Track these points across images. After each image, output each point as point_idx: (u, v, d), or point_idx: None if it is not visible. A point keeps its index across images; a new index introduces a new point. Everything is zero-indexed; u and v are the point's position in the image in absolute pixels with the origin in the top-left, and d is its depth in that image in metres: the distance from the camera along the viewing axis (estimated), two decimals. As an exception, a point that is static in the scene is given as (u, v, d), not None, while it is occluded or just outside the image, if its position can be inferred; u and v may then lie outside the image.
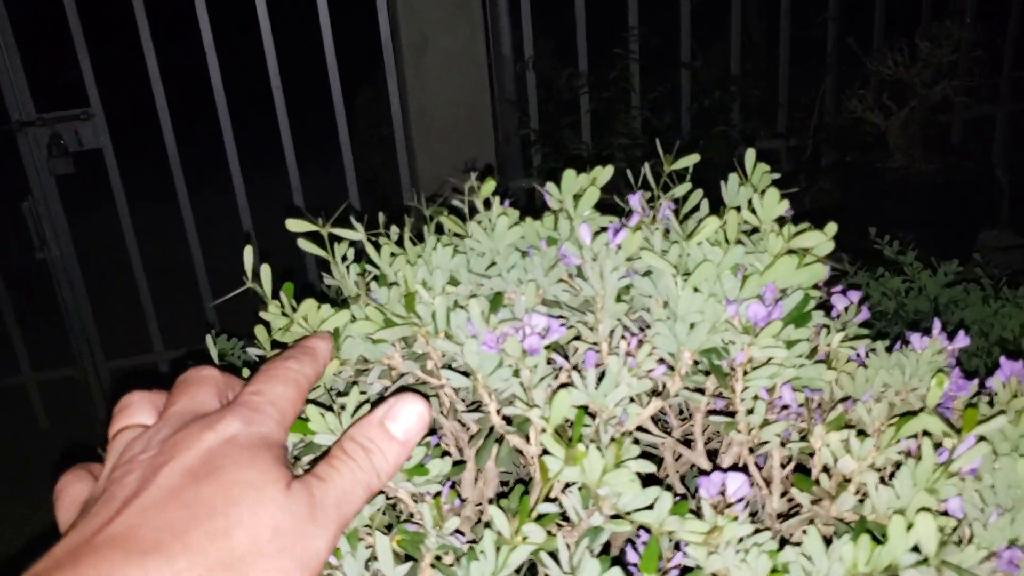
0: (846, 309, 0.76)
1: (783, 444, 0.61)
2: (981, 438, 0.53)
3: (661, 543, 0.51)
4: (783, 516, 0.64)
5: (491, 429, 0.62)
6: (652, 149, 3.50)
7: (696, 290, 0.61)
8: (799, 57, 3.73)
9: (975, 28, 3.40)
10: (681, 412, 0.76)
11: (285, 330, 0.66)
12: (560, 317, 0.69)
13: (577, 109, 3.50)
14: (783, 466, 0.64)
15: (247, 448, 0.45)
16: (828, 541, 0.51)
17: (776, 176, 0.74)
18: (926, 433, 0.54)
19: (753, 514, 0.66)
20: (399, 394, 0.51)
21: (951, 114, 3.71)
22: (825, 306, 0.75)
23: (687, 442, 0.71)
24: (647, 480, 0.53)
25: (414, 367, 0.67)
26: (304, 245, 0.71)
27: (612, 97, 3.54)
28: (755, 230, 0.70)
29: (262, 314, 0.69)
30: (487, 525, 0.54)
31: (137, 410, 0.51)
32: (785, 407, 0.61)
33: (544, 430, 0.52)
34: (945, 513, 0.55)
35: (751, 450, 0.62)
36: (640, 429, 0.68)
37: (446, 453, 0.66)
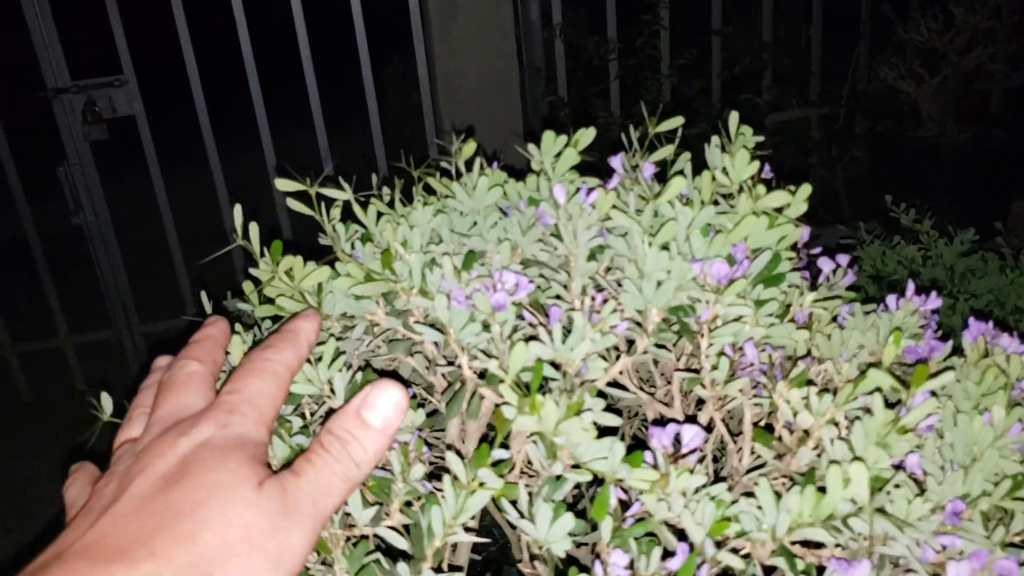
0: (833, 272, 0.76)
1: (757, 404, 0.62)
2: (935, 395, 0.54)
3: (614, 491, 0.53)
4: (752, 471, 0.66)
5: (462, 383, 0.64)
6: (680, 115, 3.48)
7: (664, 248, 0.62)
8: (832, 25, 3.68)
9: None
10: (663, 373, 0.78)
11: (267, 284, 0.68)
12: (540, 276, 0.70)
13: (605, 76, 3.48)
14: (755, 424, 0.65)
15: (220, 450, 0.45)
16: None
17: (760, 139, 0.75)
18: (879, 391, 0.55)
19: (722, 470, 0.67)
20: (375, 381, 0.51)
21: (988, 82, 3.65)
22: (813, 268, 0.75)
23: (669, 405, 0.73)
24: (606, 433, 0.55)
25: (396, 323, 0.69)
26: (293, 204, 0.73)
27: (640, 64, 3.52)
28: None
29: (251, 271, 0.71)
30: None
31: (134, 425, 0.53)
32: (752, 365, 0.63)
33: (502, 381, 0.53)
34: (903, 468, 0.57)
35: (722, 407, 0.63)
36: (619, 387, 0.70)
37: (421, 405, 0.68)
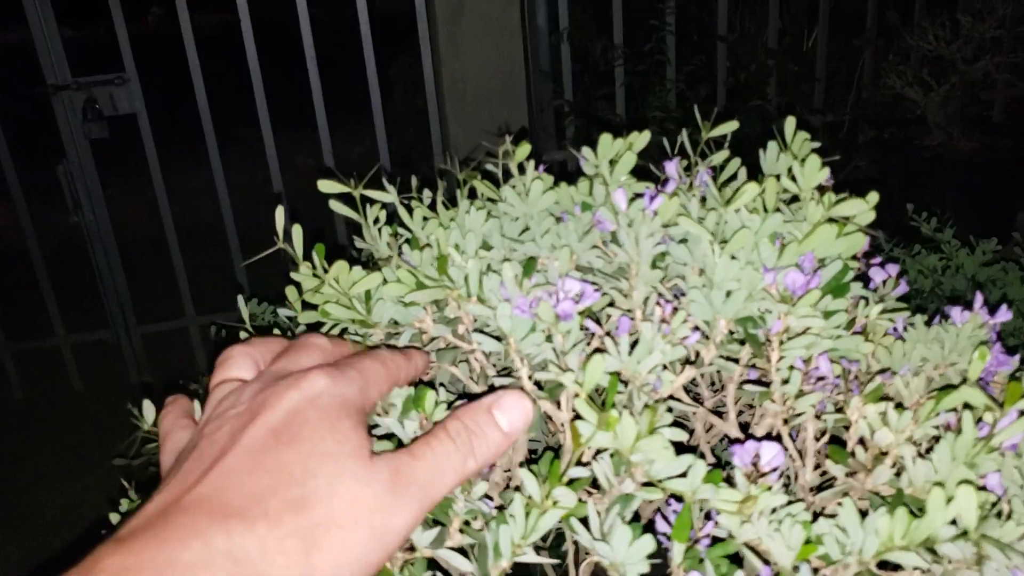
0: (884, 282, 0.74)
1: (818, 416, 0.60)
2: (1023, 413, 0.52)
3: (693, 512, 0.50)
4: (816, 489, 0.63)
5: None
6: (686, 122, 3.47)
7: (733, 257, 0.60)
8: (838, 31, 3.67)
9: (1021, 2, 3.33)
10: (713, 383, 0.75)
11: (316, 291, 0.65)
12: (594, 283, 0.68)
13: (612, 81, 3.47)
14: (817, 439, 0.63)
15: (327, 412, 0.46)
16: (864, 515, 0.50)
17: (816, 145, 0.73)
18: (967, 407, 0.53)
19: (786, 487, 0.65)
20: (508, 388, 0.52)
21: (994, 91, 3.64)
22: (863, 278, 0.73)
23: (719, 414, 0.70)
24: (678, 449, 0.53)
25: (445, 331, 0.66)
26: (336, 207, 0.70)
27: (647, 70, 3.50)
28: (794, 199, 0.68)
29: (293, 275, 0.69)
30: (516, 490, 0.53)
31: (236, 364, 0.54)
32: (821, 378, 0.60)
33: (577, 395, 0.51)
34: (984, 488, 0.54)
35: (785, 421, 0.61)
36: (671, 398, 0.68)
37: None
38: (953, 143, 3.22)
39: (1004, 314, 0.68)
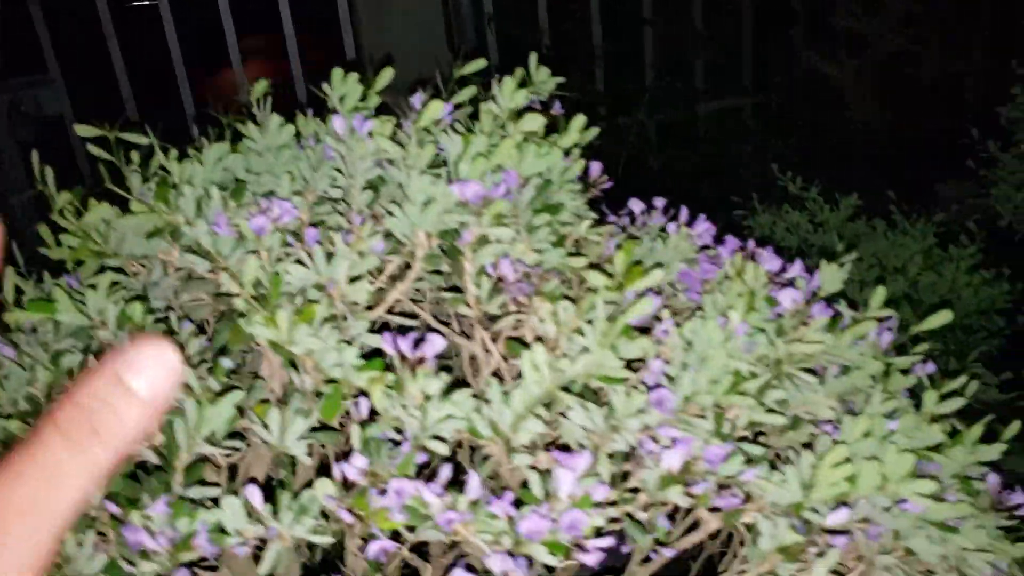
0: (646, 213, 0.79)
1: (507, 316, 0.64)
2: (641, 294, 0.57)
3: (342, 392, 0.54)
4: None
5: (232, 310, 0.65)
6: (612, 104, 3.52)
7: (436, 176, 0.64)
8: (768, 15, 3.73)
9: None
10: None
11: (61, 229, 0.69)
12: (335, 212, 0.72)
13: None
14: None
15: None
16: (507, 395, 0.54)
17: (559, 80, 0.77)
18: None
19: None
20: (138, 339, 0.34)
21: (917, 68, 3.70)
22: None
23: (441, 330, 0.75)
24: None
25: (188, 259, 0.70)
26: (94, 150, 0.74)
27: (575, 54, 3.55)
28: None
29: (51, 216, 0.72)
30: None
31: None
32: (517, 283, 0.65)
33: (239, 295, 0.55)
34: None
35: (483, 323, 0.65)
36: (412, 317, 0.72)
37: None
38: (874, 119, 3.28)
39: (703, 224, 0.72)
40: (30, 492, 0.31)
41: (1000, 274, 1.61)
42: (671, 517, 0.68)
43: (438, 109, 0.65)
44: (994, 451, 0.69)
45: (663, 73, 3.62)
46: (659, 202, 0.81)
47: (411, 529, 0.54)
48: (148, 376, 0.33)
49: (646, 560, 0.66)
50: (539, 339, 0.62)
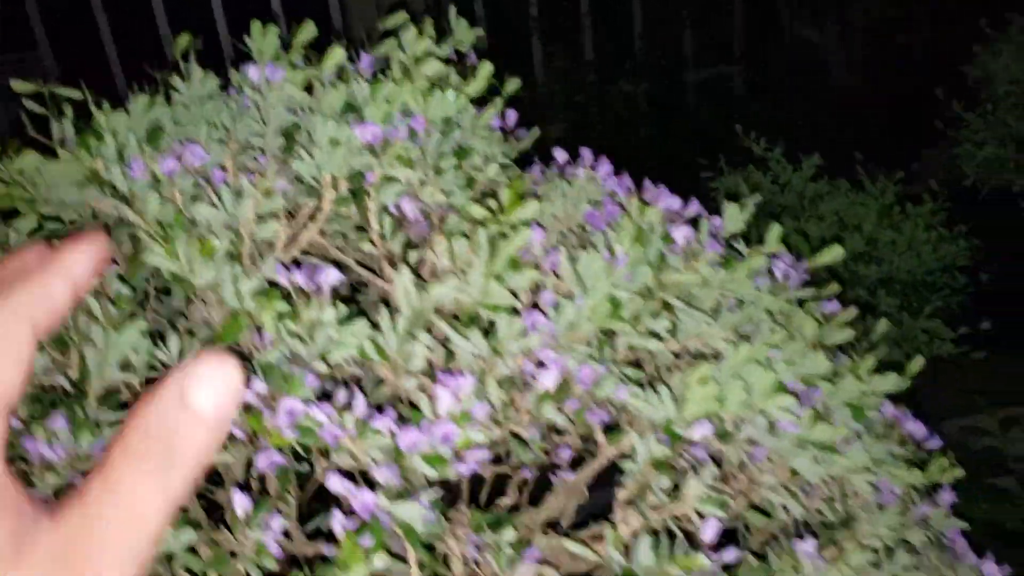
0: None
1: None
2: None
3: (244, 324, 0.58)
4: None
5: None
6: (600, 77, 3.53)
7: (345, 122, 0.67)
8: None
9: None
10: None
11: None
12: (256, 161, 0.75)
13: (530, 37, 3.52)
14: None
15: None
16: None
17: (480, 33, 0.80)
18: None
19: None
20: (200, 355, 0.31)
21: (906, 35, 3.70)
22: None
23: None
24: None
25: (111, 203, 0.73)
26: (29, 104, 0.77)
27: (564, 23, 3.56)
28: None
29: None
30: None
31: None
32: (420, 222, 0.68)
33: (145, 231, 0.58)
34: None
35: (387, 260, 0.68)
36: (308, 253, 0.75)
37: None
38: (859, 84, 3.29)
39: (605, 164, 0.75)
40: (115, 535, 0.29)
41: (960, 232, 1.64)
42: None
43: (339, 55, 0.67)
44: (888, 382, 0.72)
45: (651, 43, 3.63)
46: (586, 152, 0.84)
47: (307, 450, 0.57)
48: (213, 394, 0.31)
49: (547, 486, 0.70)
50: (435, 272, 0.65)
